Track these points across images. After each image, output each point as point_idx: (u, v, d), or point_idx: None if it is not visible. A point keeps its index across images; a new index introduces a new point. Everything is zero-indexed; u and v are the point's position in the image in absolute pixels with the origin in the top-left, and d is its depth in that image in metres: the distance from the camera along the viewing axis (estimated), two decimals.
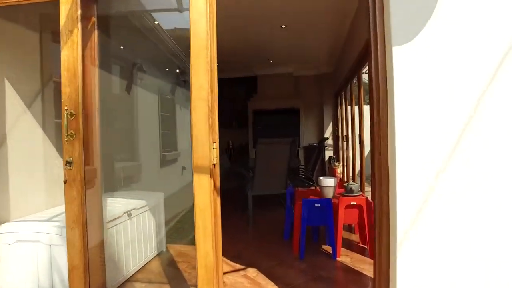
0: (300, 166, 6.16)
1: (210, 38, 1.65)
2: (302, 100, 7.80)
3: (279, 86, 8.00)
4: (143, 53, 4.97)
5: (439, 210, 1.45)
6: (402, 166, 1.47)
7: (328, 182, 3.33)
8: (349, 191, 3.32)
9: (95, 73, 1.83)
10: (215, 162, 1.65)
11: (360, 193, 3.38)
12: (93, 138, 1.87)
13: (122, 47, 4.35)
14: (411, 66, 1.48)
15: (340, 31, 5.21)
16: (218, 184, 1.71)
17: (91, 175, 1.86)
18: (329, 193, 3.33)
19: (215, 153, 1.66)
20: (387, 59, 1.60)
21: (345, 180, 6.48)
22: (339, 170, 7.32)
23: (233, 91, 8.34)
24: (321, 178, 3.39)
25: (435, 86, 1.48)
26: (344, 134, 5.95)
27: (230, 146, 8.35)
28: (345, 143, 6.04)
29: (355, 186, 3.35)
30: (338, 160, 7.58)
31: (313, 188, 5.06)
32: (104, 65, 3.61)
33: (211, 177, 1.61)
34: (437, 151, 1.45)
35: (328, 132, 7.90)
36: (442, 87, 1.47)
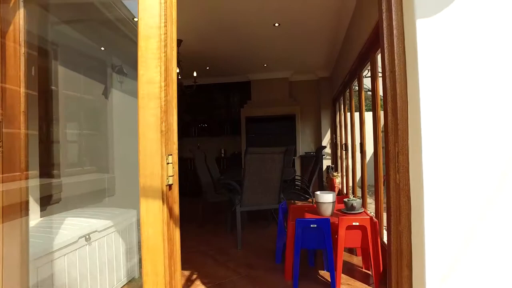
0: (295, 177, 5.70)
1: (166, 13, 1.21)
2: (298, 107, 7.37)
3: (273, 91, 7.58)
4: (123, 53, 4.54)
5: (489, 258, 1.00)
6: (433, 190, 1.01)
7: (326, 198, 2.87)
8: (350, 208, 2.87)
9: (20, 65, 1.39)
10: (170, 183, 1.20)
11: (363, 210, 2.93)
12: (18, 149, 1.43)
13: (100, 47, 3.92)
14: (446, 47, 1.04)
15: (338, 31, 4.81)
16: (176, 211, 1.25)
17: (14, 197, 1.41)
18: (327, 211, 2.87)
19: (171, 170, 1.20)
20: (406, 42, 1.17)
21: (344, 192, 6.02)
22: (337, 180, 6.87)
23: (226, 96, 7.91)
24: (318, 193, 2.93)
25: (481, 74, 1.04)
26: (344, 142, 5.51)
27: (223, 155, 7.88)
28: (344, 151, 5.60)
29: (357, 203, 2.89)
30: (336, 170, 7.13)
31: (309, 203, 4.61)
32: (68, 63, 3.18)
33: (164, 203, 1.16)
34: (489, 171, 1.00)
35: (326, 140, 7.46)
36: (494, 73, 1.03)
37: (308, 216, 2.93)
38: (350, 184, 5.91)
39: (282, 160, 3.73)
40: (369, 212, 3.10)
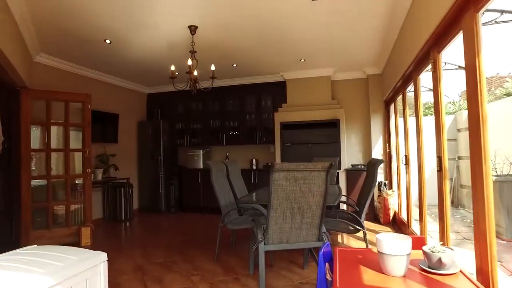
0: (341, 197, 4.54)
1: None
2: (343, 110, 6.21)
3: (313, 92, 6.49)
4: None
5: None
6: None
7: (396, 248, 1.73)
8: (436, 264, 1.72)
9: None
10: None
11: (458, 269, 1.77)
12: None
13: None
14: None
15: (394, 16, 3.66)
16: None
17: None
18: (398, 268, 1.74)
19: None
20: None
21: (403, 216, 4.74)
22: (392, 200, 5.59)
23: (257, 99, 6.93)
24: (382, 239, 1.80)
25: None
26: (404, 154, 4.28)
27: (254, 166, 6.88)
28: (404, 165, 4.36)
29: (447, 256, 1.73)
30: (391, 187, 5.85)
31: (363, 245, 3.45)
32: None
33: None
34: None
35: (377, 150, 6.20)
36: None
37: (366, 274, 1.80)
38: (403, 202, 4.66)
39: (325, 181, 2.65)
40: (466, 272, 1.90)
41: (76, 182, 5.12)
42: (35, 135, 4.89)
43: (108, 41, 4.59)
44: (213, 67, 4.20)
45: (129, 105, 7.25)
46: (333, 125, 6.12)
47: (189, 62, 3.89)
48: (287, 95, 6.70)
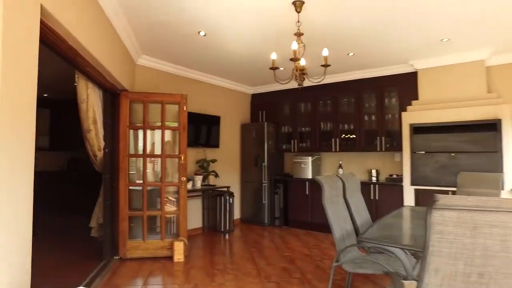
0: None
1: None
2: (507, 106, 4.46)
3: (459, 84, 4.89)
4: None
5: None
6: None
7: None
8: None
9: None
10: None
11: None
12: None
13: None
14: None
15: None
16: None
17: None
18: None
19: None
20: None
21: None
22: None
23: (379, 96, 5.63)
24: None
25: None
26: None
27: (374, 178, 5.60)
28: None
29: None
30: None
31: None
32: None
33: None
34: None
35: None
36: None
37: None
38: None
39: None
40: None
41: (173, 190, 4.74)
42: (136, 139, 4.67)
43: (202, 34, 4.04)
44: (325, 52, 3.19)
45: (231, 107, 6.77)
46: (489, 128, 4.45)
47: (294, 45, 2.98)
48: (418, 90, 5.24)
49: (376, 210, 5.13)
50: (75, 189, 7.65)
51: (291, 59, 3.02)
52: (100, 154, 4.18)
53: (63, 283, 3.48)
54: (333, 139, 6.04)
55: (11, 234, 1.67)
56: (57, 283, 3.48)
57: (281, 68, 5.06)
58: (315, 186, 5.95)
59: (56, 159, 8.14)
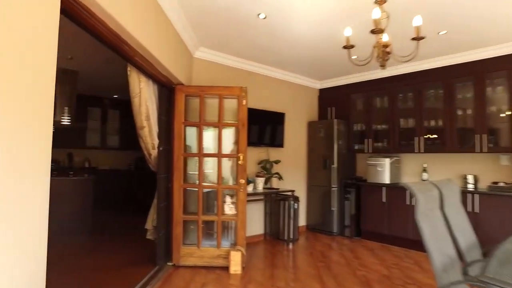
0: None
1: None
2: None
3: None
4: None
5: None
6: None
7: None
8: None
9: None
10: None
11: None
12: None
13: None
14: None
15: None
16: None
17: None
18: None
19: None
20: None
21: None
22: None
23: (476, 85, 4.58)
24: None
25: None
26: None
27: (471, 186, 4.57)
28: None
29: None
30: None
31: None
32: None
33: None
34: None
35: None
36: None
37: None
38: None
39: None
40: None
41: (232, 193, 4.32)
42: (191, 137, 4.35)
43: (262, 16, 3.55)
44: (418, 20, 2.44)
45: (296, 103, 6.19)
46: None
47: (376, 13, 2.32)
48: None
49: (476, 226, 4.13)
50: (141, 188, 7.74)
51: (372, 31, 2.35)
52: (154, 153, 3.92)
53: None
54: (415, 138, 5.11)
55: (17, 228, 1.32)
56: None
57: (353, 57, 4.33)
58: (394, 192, 5.09)
59: (125, 158, 8.35)
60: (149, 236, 4.25)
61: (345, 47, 2.52)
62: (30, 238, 1.45)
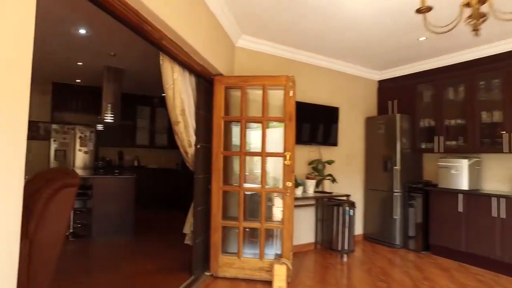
0: None
1: None
2: None
3: None
4: None
5: None
6: None
7: None
8: None
9: None
10: None
11: None
12: None
13: None
14: None
15: None
16: None
17: None
18: None
19: None
20: None
21: None
22: None
23: None
24: None
25: None
26: None
27: None
28: None
29: None
30: None
31: None
32: None
33: None
34: None
35: None
36: None
37: None
38: None
39: None
40: None
41: (278, 196, 3.83)
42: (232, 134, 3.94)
43: None
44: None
45: (352, 96, 5.50)
46: None
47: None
48: None
49: None
50: (187, 189, 7.54)
51: None
52: (190, 151, 3.57)
53: None
54: (503, 135, 4.19)
55: None
56: None
57: (422, 38, 3.60)
58: (475, 201, 4.22)
59: (173, 157, 8.24)
60: (187, 241, 3.92)
61: (418, 11, 1.90)
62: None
